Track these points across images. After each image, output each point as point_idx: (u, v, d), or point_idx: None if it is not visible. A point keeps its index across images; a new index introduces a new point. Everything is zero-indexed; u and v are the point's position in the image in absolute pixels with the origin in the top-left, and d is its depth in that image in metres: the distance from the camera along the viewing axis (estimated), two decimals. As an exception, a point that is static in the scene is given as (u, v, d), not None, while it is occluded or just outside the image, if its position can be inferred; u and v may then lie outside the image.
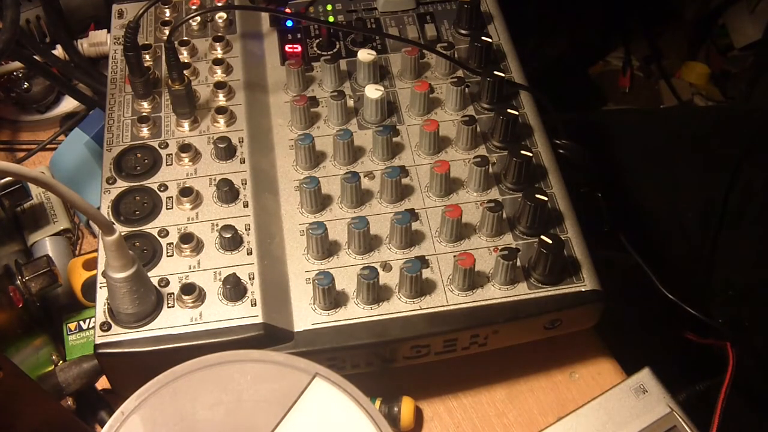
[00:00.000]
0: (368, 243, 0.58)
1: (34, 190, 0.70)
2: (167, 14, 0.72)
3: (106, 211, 0.59)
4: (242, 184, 0.61)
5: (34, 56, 0.73)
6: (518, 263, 0.56)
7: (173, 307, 0.55)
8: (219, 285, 0.55)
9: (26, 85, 0.79)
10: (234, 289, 0.54)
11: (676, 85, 1.62)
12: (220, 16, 0.71)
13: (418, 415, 0.61)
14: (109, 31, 0.77)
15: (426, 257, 0.58)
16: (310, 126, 0.65)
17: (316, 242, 0.56)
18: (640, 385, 0.58)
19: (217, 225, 0.58)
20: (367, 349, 0.55)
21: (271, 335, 0.54)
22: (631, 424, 0.56)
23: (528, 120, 0.66)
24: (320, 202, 0.60)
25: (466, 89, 0.66)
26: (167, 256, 0.57)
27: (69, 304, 0.66)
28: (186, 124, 0.64)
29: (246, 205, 0.59)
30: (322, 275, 0.54)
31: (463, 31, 0.71)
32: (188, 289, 0.55)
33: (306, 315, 0.55)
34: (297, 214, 0.60)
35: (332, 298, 0.55)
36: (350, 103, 0.66)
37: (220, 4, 0.73)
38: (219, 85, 0.66)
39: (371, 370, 0.57)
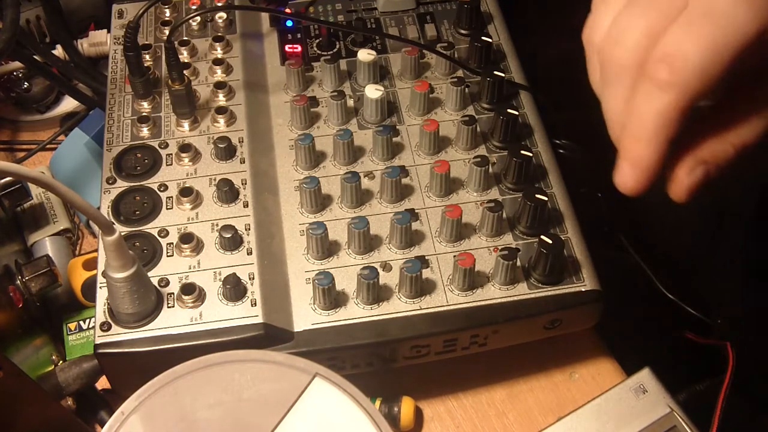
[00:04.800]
0: (368, 243, 0.58)
1: (34, 190, 0.70)
2: (167, 14, 0.72)
3: (106, 211, 0.59)
4: (242, 184, 0.61)
5: (34, 56, 0.73)
6: (518, 263, 0.56)
7: (173, 307, 0.55)
8: (219, 285, 0.55)
9: (26, 85, 0.79)
10: (234, 289, 0.54)
11: (676, 85, 1.62)
12: (220, 16, 0.71)
13: (418, 415, 0.61)
14: (109, 31, 0.77)
15: (426, 257, 0.58)
16: (310, 126, 0.65)
17: (316, 242, 0.56)
18: (640, 385, 0.57)
19: (217, 225, 0.58)
20: (367, 349, 0.55)
21: (271, 335, 0.54)
22: (631, 424, 0.56)
23: (528, 120, 0.66)
24: (320, 202, 0.60)
25: (466, 89, 0.66)
26: (167, 256, 0.57)
27: (69, 304, 0.66)
28: (186, 124, 0.64)
29: (246, 205, 0.59)
30: (322, 275, 0.54)
31: (463, 31, 0.71)
32: (188, 289, 0.55)
33: (306, 315, 0.55)
34: (297, 214, 0.60)
35: (332, 298, 0.55)
36: (350, 103, 0.66)
37: (220, 4, 0.73)
38: (219, 85, 0.66)
39: (371, 370, 0.57)
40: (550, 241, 0.55)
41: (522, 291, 0.56)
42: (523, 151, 0.60)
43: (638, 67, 0.37)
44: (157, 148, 0.63)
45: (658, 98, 0.36)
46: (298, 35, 0.72)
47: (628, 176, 0.38)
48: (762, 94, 0.38)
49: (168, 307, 0.54)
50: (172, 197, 0.60)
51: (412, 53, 0.67)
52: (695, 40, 0.35)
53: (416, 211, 0.60)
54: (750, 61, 0.36)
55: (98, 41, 0.80)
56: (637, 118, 0.37)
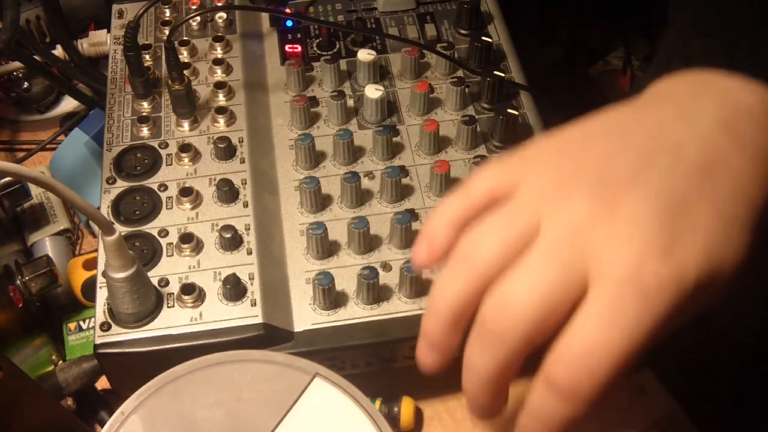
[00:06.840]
0: (368, 243, 0.58)
1: (34, 190, 0.70)
2: (167, 14, 0.72)
3: (106, 211, 0.59)
4: (242, 184, 0.61)
5: (34, 56, 0.73)
6: (518, 263, 0.56)
7: (173, 307, 0.55)
8: (219, 285, 0.55)
9: (26, 85, 0.79)
10: (234, 289, 0.54)
11: (676, 85, 1.61)
12: (220, 16, 0.71)
13: (418, 415, 0.61)
14: (109, 31, 0.77)
15: (426, 257, 0.58)
16: (310, 126, 0.65)
17: (316, 242, 0.56)
18: (640, 385, 0.57)
19: (217, 225, 0.58)
20: (367, 349, 0.55)
21: (271, 335, 0.54)
22: (631, 424, 0.56)
23: (528, 120, 0.66)
24: (320, 202, 0.60)
25: (466, 89, 0.66)
26: (167, 256, 0.57)
27: (69, 304, 0.65)
28: (186, 124, 0.64)
29: (246, 205, 0.59)
30: (322, 275, 0.54)
31: (463, 31, 0.71)
32: (188, 289, 0.55)
33: (306, 315, 0.55)
34: (297, 214, 0.60)
35: (332, 298, 0.55)
36: (350, 103, 0.66)
37: (220, 4, 0.73)
38: (219, 85, 0.66)
39: (371, 370, 0.57)
40: (550, 241, 0.55)
41: (522, 291, 0.56)
42: (523, 151, 0.60)
43: None
44: (157, 148, 0.63)
45: None
46: (298, 35, 0.72)
47: None
48: None
49: (168, 307, 0.54)
50: (172, 197, 0.60)
51: (412, 53, 0.67)
52: None
53: (416, 211, 0.60)
54: None
55: (98, 41, 0.80)
56: None
